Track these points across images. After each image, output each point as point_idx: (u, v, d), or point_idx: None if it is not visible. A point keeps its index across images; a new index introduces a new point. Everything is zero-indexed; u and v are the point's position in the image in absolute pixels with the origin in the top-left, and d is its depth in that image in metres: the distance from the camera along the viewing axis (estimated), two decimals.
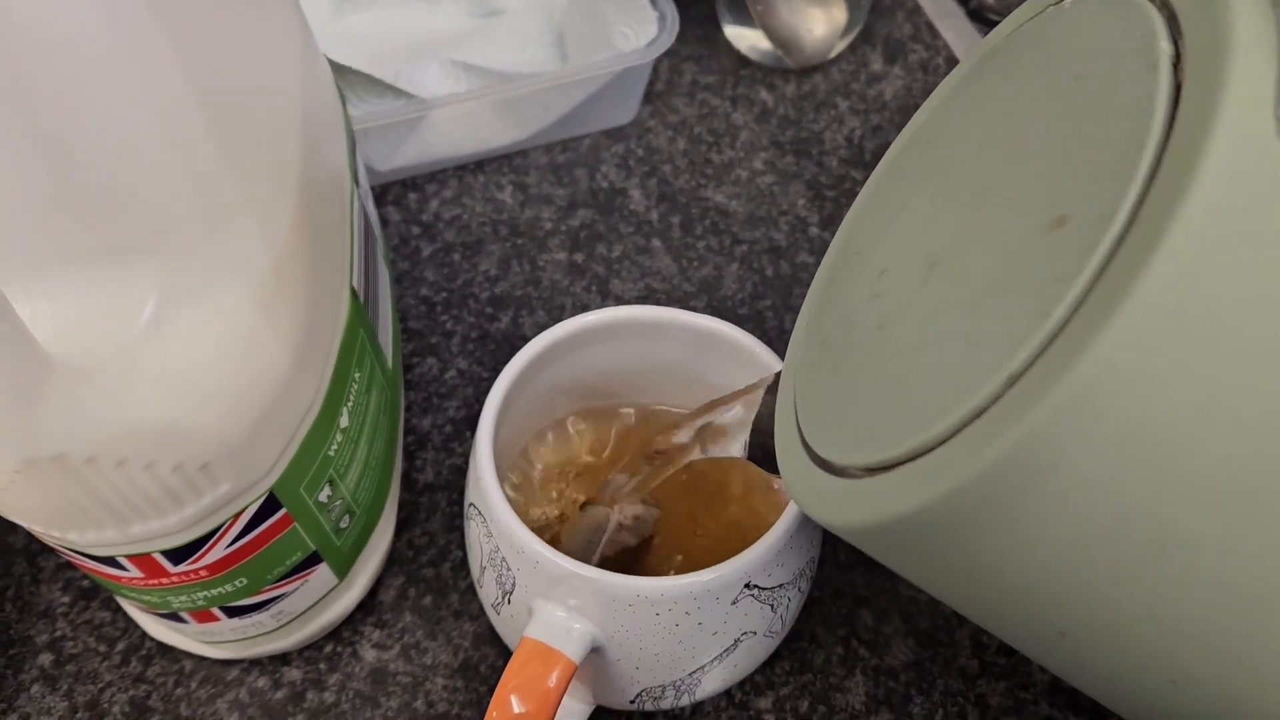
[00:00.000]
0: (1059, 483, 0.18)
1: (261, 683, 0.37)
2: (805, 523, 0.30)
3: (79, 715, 0.36)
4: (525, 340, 0.45)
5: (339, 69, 0.45)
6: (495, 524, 0.29)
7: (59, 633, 0.38)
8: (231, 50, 0.28)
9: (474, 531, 0.31)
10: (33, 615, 0.38)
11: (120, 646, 0.38)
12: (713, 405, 0.31)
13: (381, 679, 0.37)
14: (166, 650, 0.38)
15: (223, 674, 0.37)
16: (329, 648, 0.38)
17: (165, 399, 0.25)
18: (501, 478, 0.30)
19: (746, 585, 0.29)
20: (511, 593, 0.30)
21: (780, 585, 0.30)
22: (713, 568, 0.28)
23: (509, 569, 0.30)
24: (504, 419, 0.32)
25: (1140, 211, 0.17)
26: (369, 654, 0.38)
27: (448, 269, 0.47)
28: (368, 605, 0.39)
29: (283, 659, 0.38)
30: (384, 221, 0.49)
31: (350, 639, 0.38)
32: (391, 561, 0.40)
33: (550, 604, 0.29)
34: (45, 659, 0.38)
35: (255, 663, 0.38)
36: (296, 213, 0.29)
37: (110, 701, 0.37)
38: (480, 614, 0.39)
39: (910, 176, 0.27)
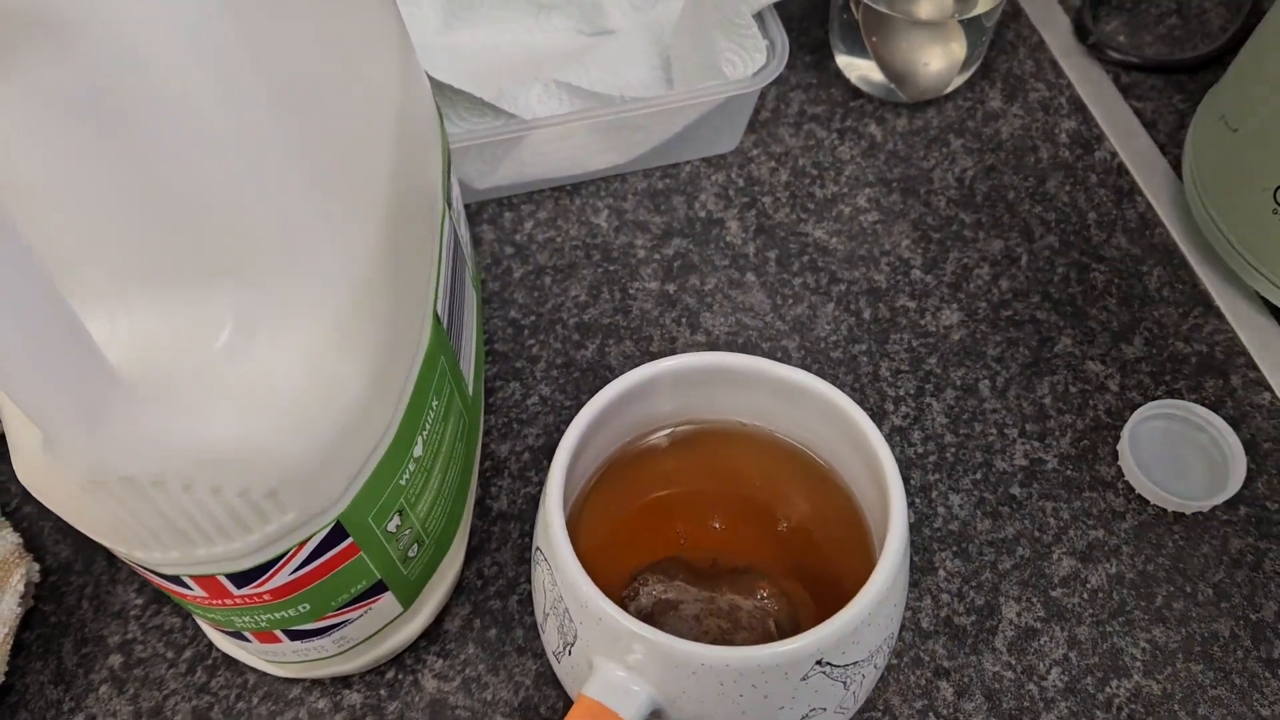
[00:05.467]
0: None
1: (322, 704, 0.37)
2: (888, 597, 0.28)
3: None
4: (610, 371, 0.44)
5: (440, 86, 0.44)
6: (560, 574, 0.28)
7: (130, 635, 0.38)
8: (324, 69, 0.27)
9: (539, 576, 0.30)
10: (107, 615, 0.39)
11: (187, 654, 0.38)
12: None
13: (440, 711, 0.37)
14: (231, 662, 0.38)
15: (284, 691, 0.37)
16: (391, 674, 0.37)
17: (235, 424, 0.25)
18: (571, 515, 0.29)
19: (818, 662, 0.27)
20: (573, 644, 0.29)
21: (855, 663, 0.28)
22: (783, 642, 0.27)
23: (571, 620, 0.28)
24: (578, 458, 0.31)
25: None
26: (430, 684, 0.37)
27: (538, 292, 0.47)
28: (432, 633, 0.38)
29: (344, 681, 0.37)
30: (477, 240, 0.48)
31: (412, 666, 0.38)
32: (459, 590, 0.39)
33: (611, 662, 0.28)
34: (115, 660, 0.38)
35: (317, 682, 0.37)
36: (381, 238, 0.28)
37: (173, 710, 0.37)
38: (543, 652, 0.38)
39: None
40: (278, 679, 0.37)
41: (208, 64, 0.23)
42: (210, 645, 0.38)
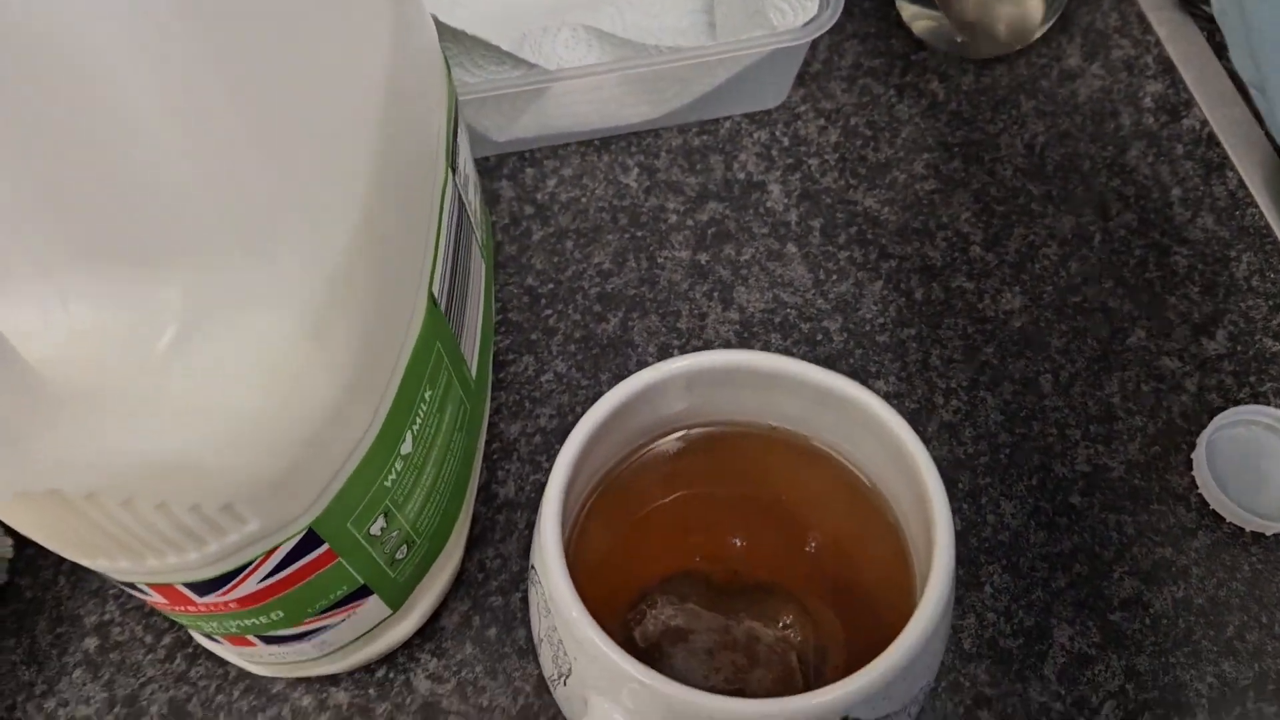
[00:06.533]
0: None
1: (306, 701, 0.34)
2: (928, 646, 0.24)
3: (117, 709, 0.34)
4: (633, 348, 0.41)
5: (453, 31, 0.40)
6: (555, 604, 0.25)
7: (107, 616, 0.36)
8: (290, 16, 0.24)
9: (534, 596, 0.27)
10: (84, 593, 0.36)
11: (166, 640, 0.35)
12: None
13: (432, 715, 0.34)
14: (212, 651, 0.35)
15: (267, 686, 0.35)
16: (381, 672, 0.35)
17: (182, 432, 0.22)
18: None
19: (845, 718, 0.24)
20: (568, 676, 0.26)
21: (886, 716, 0.25)
22: (806, 696, 0.23)
23: (565, 653, 0.25)
24: (580, 469, 0.27)
25: None
26: (422, 685, 0.34)
27: (558, 258, 0.43)
28: (428, 630, 0.35)
29: (331, 678, 0.35)
30: (494, 198, 0.44)
31: (404, 665, 0.35)
32: (458, 583, 0.36)
33: (608, 703, 0.25)
34: (91, 643, 0.35)
35: (302, 678, 0.35)
36: (363, 216, 0.25)
37: (150, 699, 0.34)
38: None
39: None
40: None
41: (142, 11, 0.19)
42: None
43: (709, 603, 0.28)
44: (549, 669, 0.27)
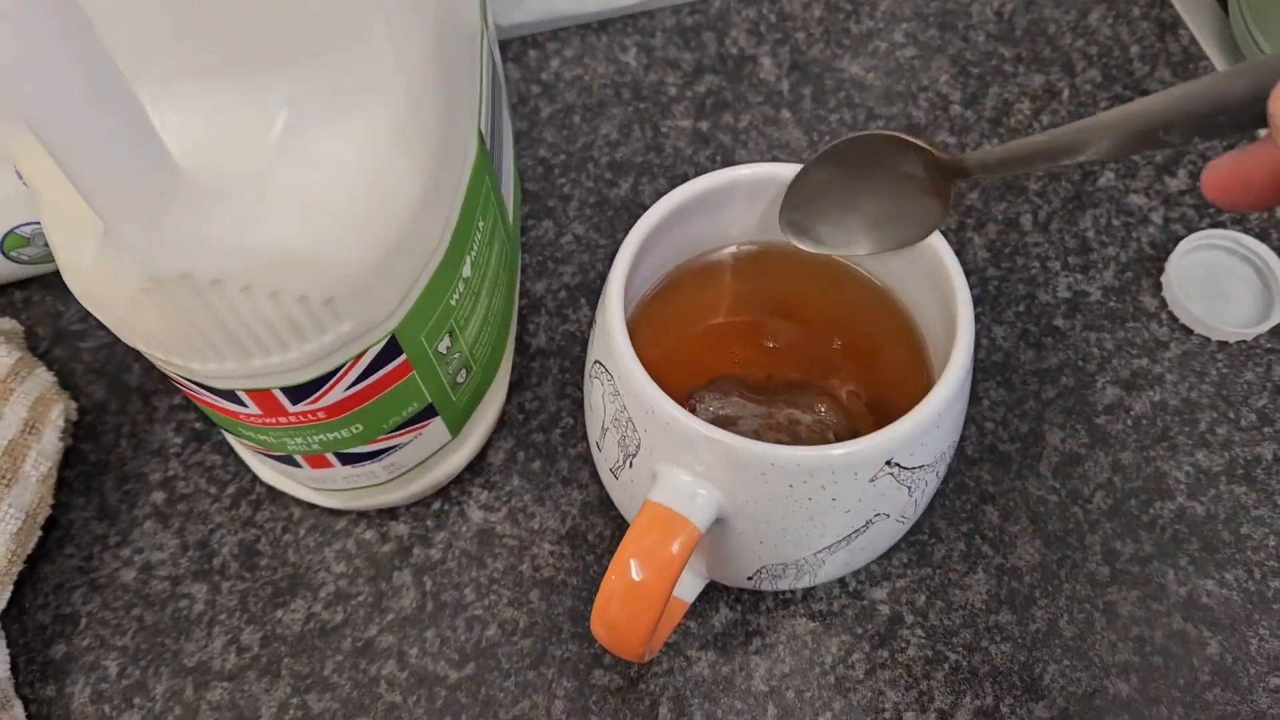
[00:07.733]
0: None
1: (369, 535, 0.37)
2: (955, 401, 0.28)
3: (190, 553, 0.37)
4: (645, 208, 0.43)
5: None
6: (624, 383, 0.28)
7: (171, 472, 0.38)
8: None
9: (598, 391, 0.30)
10: (146, 453, 0.38)
11: (230, 490, 0.38)
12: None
13: (488, 540, 0.37)
14: (276, 496, 0.38)
15: (331, 524, 0.37)
16: (436, 505, 0.37)
17: (293, 225, 0.24)
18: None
19: (888, 463, 0.27)
20: (634, 455, 0.29)
21: (921, 466, 0.28)
22: (855, 440, 0.26)
23: (634, 430, 0.28)
24: (637, 268, 0.30)
25: None
26: (476, 514, 0.37)
27: (567, 131, 0.45)
28: (476, 466, 0.38)
29: (390, 513, 0.37)
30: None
31: (458, 498, 0.38)
32: (502, 424, 0.39)
33: (676, 468, 0.27)
34: (158, 496, 0.38)
35: (363, 515, 0.37)
36: (431, 39, 0.27)
37: (220, 542, 0.37)
38: (589, 483, 0.38)
39: None
40: (323, 512, 0.37)
41: None
42: (254, 480, 0.38)
43: (750, 398, 0.32)
44: (613, 457, 0.30)
